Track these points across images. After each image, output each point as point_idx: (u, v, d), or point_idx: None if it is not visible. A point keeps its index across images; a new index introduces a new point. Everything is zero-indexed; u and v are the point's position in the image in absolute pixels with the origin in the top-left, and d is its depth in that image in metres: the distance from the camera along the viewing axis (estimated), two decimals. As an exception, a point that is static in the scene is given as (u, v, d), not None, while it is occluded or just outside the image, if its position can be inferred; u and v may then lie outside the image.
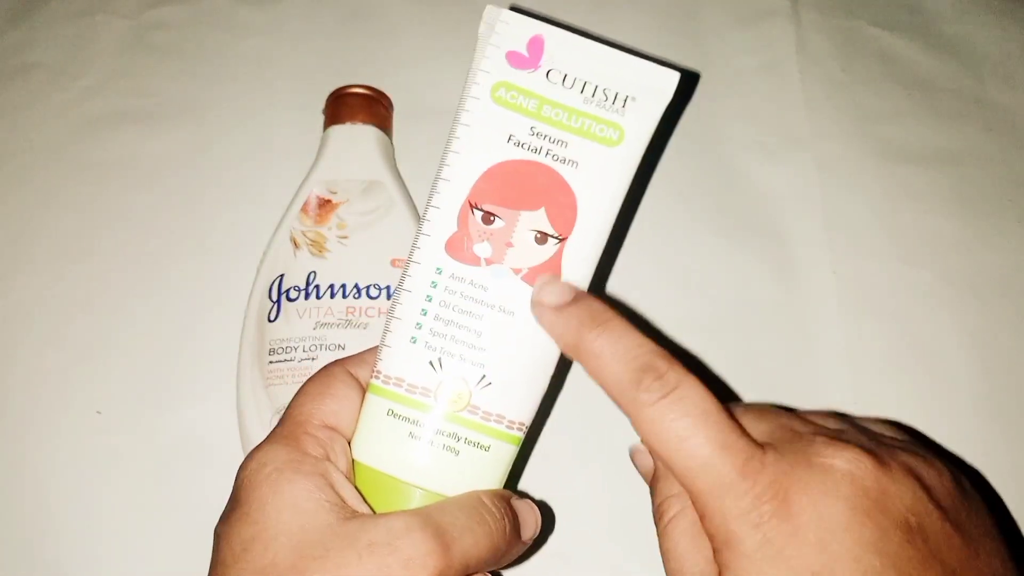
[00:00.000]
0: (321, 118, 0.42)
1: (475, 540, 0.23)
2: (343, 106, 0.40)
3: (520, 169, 0.26)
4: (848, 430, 0.24)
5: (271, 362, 0.35)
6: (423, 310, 0.26)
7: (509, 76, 0.27)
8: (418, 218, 0.39)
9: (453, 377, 0.26)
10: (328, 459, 0.25)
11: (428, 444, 0.26)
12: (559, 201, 0.26)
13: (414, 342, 0.26)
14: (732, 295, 0.41)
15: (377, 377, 0.26)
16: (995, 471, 0.38)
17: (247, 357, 0.35)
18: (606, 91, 0.27)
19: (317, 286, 0.36)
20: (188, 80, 0.46)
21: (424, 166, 0.43)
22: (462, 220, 0.26)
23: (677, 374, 0.23)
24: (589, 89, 0.27)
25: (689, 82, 0.47)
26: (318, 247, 0.37)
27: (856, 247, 0.43)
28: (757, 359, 0.40)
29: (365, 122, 0.40)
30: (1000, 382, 0.40)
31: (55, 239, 0.42)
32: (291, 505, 0.23)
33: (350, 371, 0.27)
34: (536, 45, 0.27)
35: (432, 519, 0.23)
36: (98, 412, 0.38)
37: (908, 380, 0.40)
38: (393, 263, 0.37)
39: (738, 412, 0.24)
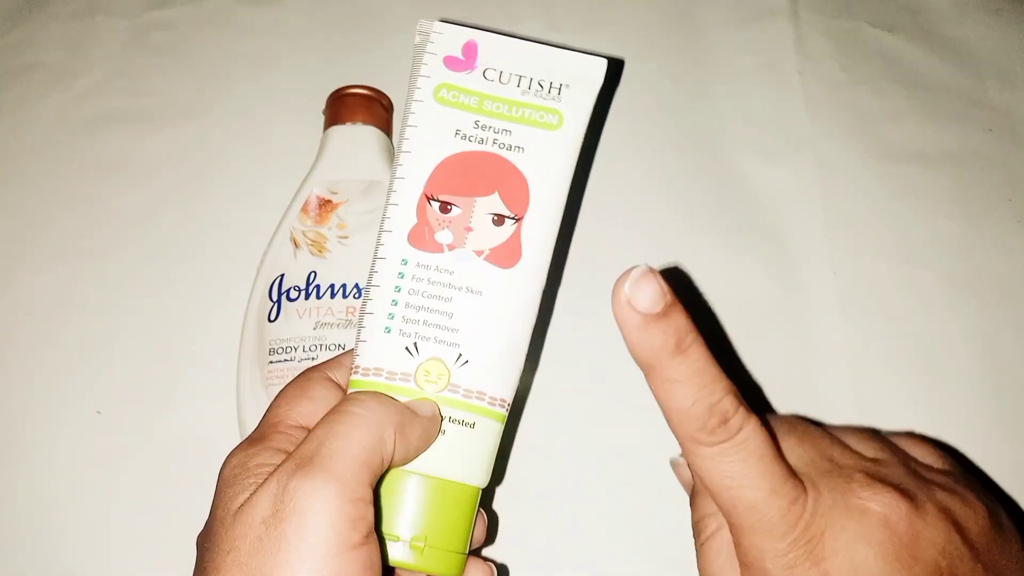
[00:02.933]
0: (321, 118, 0.42)
1: (343, 437, 0.22)
2: (343, 106, 0.40)
3: (470, 159, 0.28)
4: (887, 460, 0.25)
5: (271, 362, 0.35)
6: (393, 300, 0.27)
7: (449, 78, 0.28)
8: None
9: (430, 358, 0.27)
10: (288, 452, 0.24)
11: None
12: (511, 184, 0.28)
13: (388, 332, 0.27)
14: (732, 295, 0.41)
15: (356, 372, 0.27)
16: (996, 471, 0.38)
17: (247, 357, 0.35)
18: (541, 82, 0.29)
19: (317, 286, 0.36)
20: (188, 80, 0.46)
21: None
22: (421, 212, 0.27)
23: (741, 418, 0.23)
24: (524, 82, 0.29)
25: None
26: (318, 247, 0.37)
27: (856, 247, 0.43)
28: (757, 359, 0.40)
29: (365, 122, 0.40)
30: (1000, 382, 0.40)
31: (55, 239, 0.42)
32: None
33: (328, 375, 0.27)
34: (470, 49, 0.29)
35: (294, 458, 0.22)
36: (98, 412, 0.38)
37: (908, 380, 0.40)
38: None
39: (780, 434, 0.25)
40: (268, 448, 0.24)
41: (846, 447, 0.25)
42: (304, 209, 0.38)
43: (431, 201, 0.28)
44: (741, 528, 0.23)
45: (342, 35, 0.48)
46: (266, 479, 0.22)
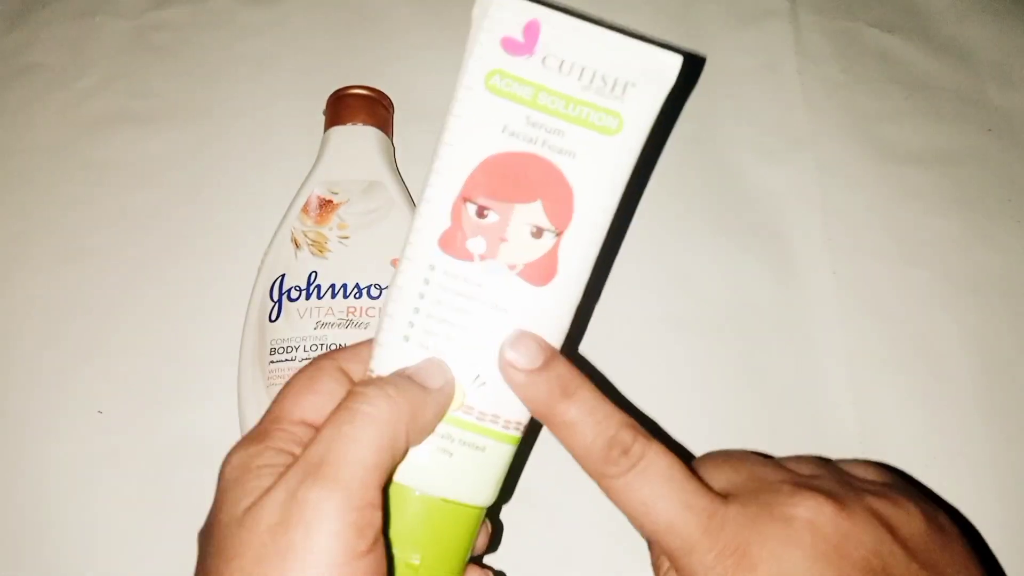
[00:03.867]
0: (322, 119, 0.42)
1: (353, 440, 0.22)
2: (344, 107, 0.41)
3: (515, 161, 0.26)
4: (822, 476, 0.25)
5: (272, 362, 0.35)
6: (416, 308, 0.26)
7: (503, 63, 0.25)
8: (419, 218, 0.39)
9: None
10: (292, 453, 0.24)
11: (423, 444, 0.25)
12: (555, 194, 0.26)
13: (407, 340, 0.25)
14: (732, 295, 0.41)
15: (371, 376, 0.26)
16: (995, 471, 0.38)
17: (248, 357, 0.35)
18: (604, 77, 0.26)
19: (318, 286, 0.36)
20: (188, 80, 0.46)
21: (424, 166, 0.43)
22: (455, 214, 0.25)
23: (642, 446, 0.24)
24: (587, 75, 0.26)
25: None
26: (319, 247, 0.37)
27: (856, 247, 0.43)
28: (757, 359, 0.40)
29: (366, 123, 0.40)
30: (1000, 382, 0.40)
31: (55, 239, 0.42)
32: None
33: (341, 366, 0.26)
34: (532, 30, 0.26)
35: (304, 462, 0.22)
36: (98, 412, 0.38)
37: (908, 380, 0.40)
38: (394, 263, 0.37)
39: (710, 464, 0.26)
40: (270, 448, 0.24)
41: (781, 467, 0.26)
42: (305, 209, 0.38)
43: (468, 203, 0.25)
44: (671, 554, 0.23)
45: (343, 35, 0.48)
46: (273, 484, 0.22)
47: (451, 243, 0.25)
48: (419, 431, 0.24)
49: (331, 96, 0.41)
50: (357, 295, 0.36)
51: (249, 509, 0.21)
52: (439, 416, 0.25)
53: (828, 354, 0.40)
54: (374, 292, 0.36)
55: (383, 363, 0.26)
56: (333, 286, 0.36)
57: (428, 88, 0.45)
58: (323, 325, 0.35)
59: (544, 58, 0.25)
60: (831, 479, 0.25)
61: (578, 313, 0.27)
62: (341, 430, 0.22)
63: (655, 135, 0.26)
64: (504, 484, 0.27)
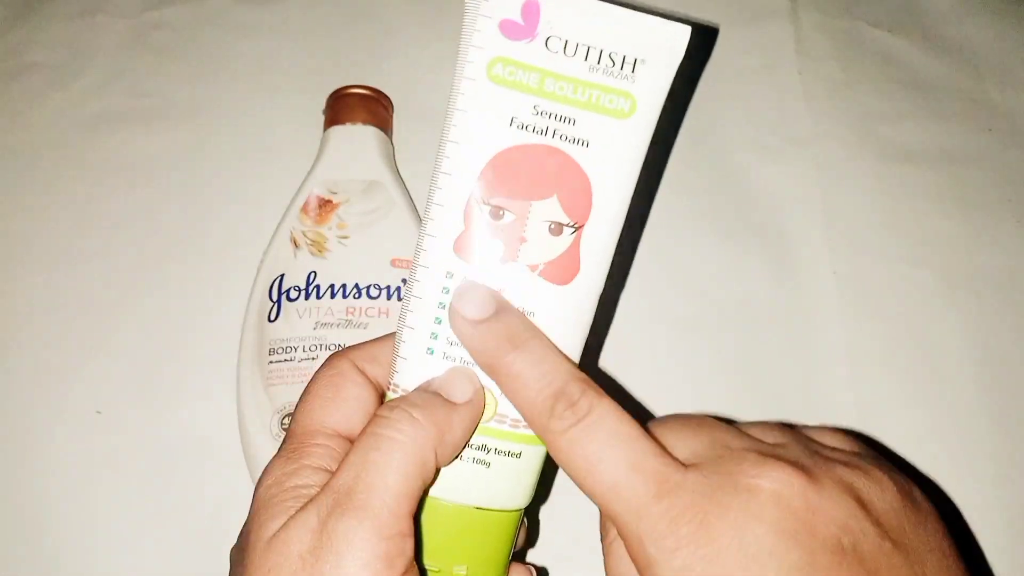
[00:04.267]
0: (321, 118, 0.42)
1: (381, 469, 0.21)
2: (343, 106, 0.40)
3: (527, 154, 0.24)
4: (788, 444, 0.23)
5: (271, 362, 0.35)
6: (436, 318, 0.24)
7: (505, 50, 0.24)
8: (419, 218, 0.39)
9: None
10: (329, 470, 0.23)
11: (457, 458, 0.24)
12: (572, 186, 0.24)
13: (431, 353, 0.24)
14: (732, 295, 0.41)
15: (395, 391, 0.25)
16: (996, 470, 0.38)
17: (247, 357, 0.35)
18: (612, 55, 0.24)
19: (317, 286, 0.36)
20: (188, 80, 0.46)
21: (424, 166, 0.43)
22: (469, 217, 0.24)
23: (589, 400, 0.22)
24: (594, 55, 0.24)
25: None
26: (318, 247, 0.37)
27: (856, 247, 0.43)
28: (757, 359, 0.40)
29: (365, 122, 0.40)
30: (1000, 382, 0.40)
31: (55, 239, 0.42)
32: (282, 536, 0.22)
33: (360, 366, 0.26)
34: (531, 9, 0.24)
35: (332, 491, 0.21)
36: (98, 412, 0.38)
37: (908, 380, 0.40)
38: (393, 263, 0.37)
39: (668, 428, 0.24)
40: (306, 467, 0.23)
41: (744, 435, 0.24)
42: (304, 209, 0.38)
43: (481, 205, 0.24)
44: (616, 517, 0.21)
45: (342, 34, 0.48)
46: (303, 508, 0.21)
47: (467, 248, 0.24)
48: (449, 450, 0.23)
49: (331, 95, 0.41)
50: (356, 295, 0.36)
51: (278, 533, 0.21)
52: (469, 432, 0.24)
53: (828, 354, 0.40)
54: (373, 292, 0.36)
55: (406, 377, 0.25)
56: (332, 286, 0.36)
57: (428, 87, 0.46)
58: (322, 325, 0.35)
59: (547, 40, 0.24)
60: (799, 448, 0.23)
61: (600, 311, 0.26)
62: (368, 457, 0.22)
63: (667, 112, 0.25)
64: (540, 482, 0.27)
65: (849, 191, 0.44)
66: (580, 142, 0.24)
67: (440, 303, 0.24)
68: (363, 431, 0.23)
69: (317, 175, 0.39)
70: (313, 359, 0.35)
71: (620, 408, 0.22)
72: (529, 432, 0.25)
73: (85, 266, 0.41)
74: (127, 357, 0.39)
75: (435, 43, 0.47)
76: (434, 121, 0.47)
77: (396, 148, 0.43)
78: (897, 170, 0.45)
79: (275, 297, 0.36)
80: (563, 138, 0.24)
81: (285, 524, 0.21)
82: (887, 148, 0.46)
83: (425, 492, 0.23)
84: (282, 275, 0.36)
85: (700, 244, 0.43)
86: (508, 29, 0.24)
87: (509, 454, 0.25)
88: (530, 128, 0.24)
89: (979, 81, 0.48)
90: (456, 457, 0.24)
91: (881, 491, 0.21)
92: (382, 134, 0.41)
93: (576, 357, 0.26)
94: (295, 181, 0.39)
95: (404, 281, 0.37)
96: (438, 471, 0.23)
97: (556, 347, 0.24)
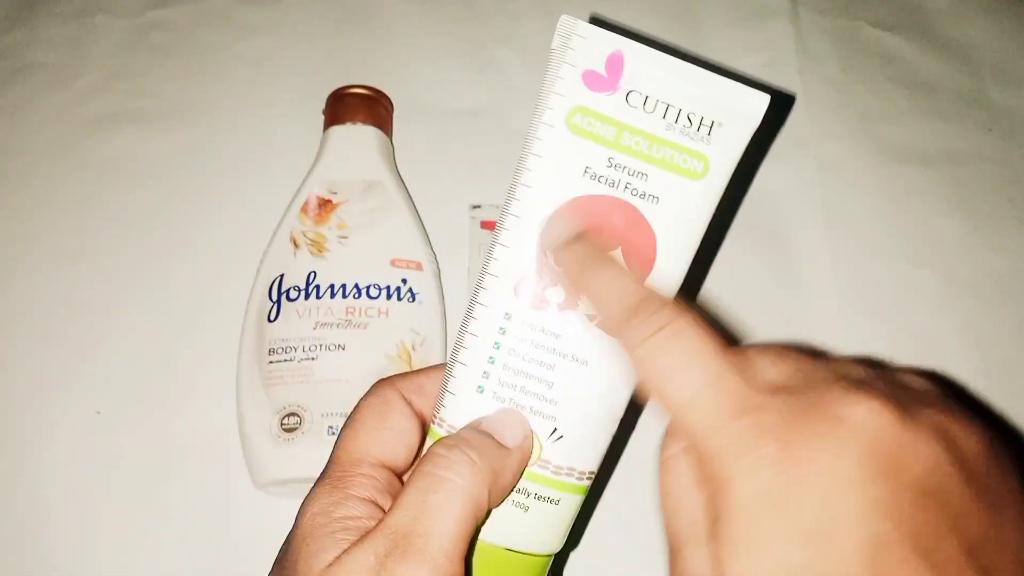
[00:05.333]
0: (321, 118, 0.42)
1: (438, 512, 0.21)
2: (343, 106, 0.40)
3: (596, 204, 0.24)
4: (877, 379, 0.22)
5: (271, 362, 0.35)
6: (491, 358, 0.24)
7: (586, 100, 0.24)
8: (418, 218, 0.39)
9: None
10: (375, 502, 0.24)
11: None
12: (637, 240, 0.24)
13: (481, 391, 0.24)
14: (732, 294, 0.41)
15: (441, 425, 0.25)
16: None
17: (247, 357, 0.35)
18: (691, 116, 0.24)
19: (317, 286, 0.36)
20: (188, 80, 0.46)
21: (424, 166, 0.43)
22: (533, 261, 0.24)
23: (672, 311, 0.21)
24: (672, 113, 0.24)
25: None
26: (318, 247, 0.37)
27: (856, 247, 0.43)
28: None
29: (365, 122, 0.40)
30: (1000, 382, 0.40)
31: (55, 239, 0.42)
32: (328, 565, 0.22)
33: (405, 395, 0.26)
34: (615, 63, 0.24)
35: (389, 530, 0.22)
36: (98, 412, 0.38)
37: (908, 380, 0.40)
38: (393, 263, 0.37)
39: (753, 352, 0.22)
40: (352, 497, 0.23)
41: (832, 365, 0.22)
42: (304, 209, 0.38)
43: (546, 251, 0.24)
44: (693, 432, 0.20)
45: (342, 34, 0.48)
46: (358, 544, 0.21)
47: (529, 292, 0.24)
48: (500, 494, 0.23)
49: (330, 95, 0.41)
50: (356, 295, 0.36)
51: (332, 566, 0.21)
52: (518, 477, 0.24)
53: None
54: (373, 292, 0.36)
55: (455, 413, 0.25)
56: (332, 286, 0.36)
57: (427, 87, 0.46)
58: (322, 325, 0.35)
59: (628, 94, 0.24)
60: (887, 384, 0.21)
61: None
62: (427, 500, 0.22)
63: (738, 176, 0.25)
64: (572, 530, 0.27)
65: (849, 191, 0.44)
66: (650, 198, 0.24)
67: (496, 343, 0.24)
68: (419, 469, 0.23)
69: (317, 175, 0.39)
70: (313, 359, 0.35)
71: (703, 323, 0.21)
72: (569, 480, 0.25)
73: (85, 266, 0.41)
74: (127, 357, 0.39)
75: (435, 43, 0.47)
76: (434, 121, 0.47)
77: (396, 148, 0.43)
78: (897, 170, 0.45)
79: (275, 297, 0.36)
80: (634, 192, 0.24)
81: (339, 558, 0.21)
82: (887, 148, 0.46)
83: (476, 533, 0.23)
84: (282, 275, 0.36)
85: (699, 244, 0.43)
86: (591, 80, 0.24)
87: (548, 500, 0.25)
88: (603, 180, 0.24)
89: (979, 81, 0.48)
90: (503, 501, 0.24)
91: (969, 437, 0.20)
92: (382, 134, 0.41)
93: (626, 402, 0.26)
94: (295, 181, 0.39)
95: (404, 281, 0.37)
96: (489, 514, 0.23)
97: (633, 273, 0.24)
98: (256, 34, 0.48)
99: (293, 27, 0.48)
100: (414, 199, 0.40)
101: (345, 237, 0.37)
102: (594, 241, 0.24)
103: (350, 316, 0.35)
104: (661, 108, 0.24)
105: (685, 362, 0.20)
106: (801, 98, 0.47)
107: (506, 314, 0.24)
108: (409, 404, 0.26)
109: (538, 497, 0.25)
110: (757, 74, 0.47)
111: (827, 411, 0.19)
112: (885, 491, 0.18)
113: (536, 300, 0.24)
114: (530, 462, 0.24)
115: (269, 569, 0.24)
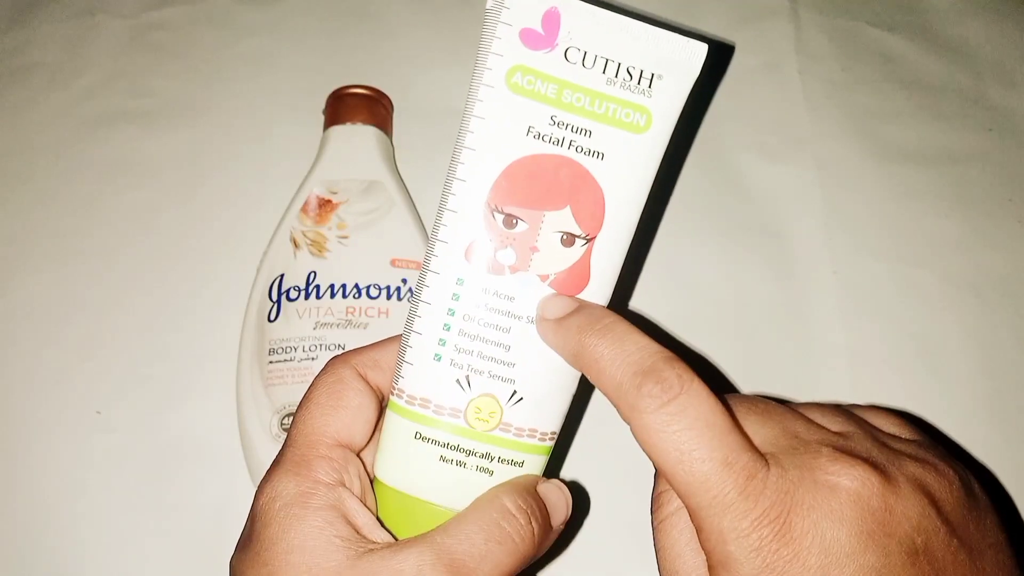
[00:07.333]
0: (321, 118, 0.42)
1: (496, 563, 0.23)
2: (343, 106, 0.41)
3: (542, 164, 0.24)
4: (854, 434, 0.23)
5: (271, 362, 0.35)
6: (446, 324, 0.24)
7: (524, 58, 0.24)
8: (419, 218, 0.39)
9: (483, 395, 0.25)
10: (342, 483, 0.24)
11: (461, 466, 0.25)
12: (585, 198, 0.24)
13: (438, 359, 0.25)
14: (732, 295, 0.41)
15: (400, 396, 0.25)
16: (996, 470, 0.38)
17: (247, 357, 0.35)
18: (630, 69, 0.24)
19: (317, 286, 0.36)
20: (188, 80, 0.46)
21: (424, 166, 0.43)
22: (482, 224, 0.24)
23: (681, 379, 0.21)
24: (612, 68, 0.24)
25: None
26: (318, 247, 0.37)
27: (856, 247, 0.43)
28: (757, 359, 0.40)
29: (365, 122, 0.40)
30: (1000, 382, 0.40)
31: (55, 239, 0.42)
32: (299, 546, 0.22)
33: (360, 371, 0.26)
34: (552, 20, 0.24)
35: (446, 552, 0.22)
36: (98, 412, 0.38)
37: (908, 380, 0.40)
38: (393, 263, 0.37)
39: (740, 414, 0.23)
40: (321, 483, 0.23)
41: (811, 422, 0.24)
42: (304, 209, 0.38)
43: (495, 213, 0.24)
44: (699, 509, 0.21)
45: (342, 34, 0.48)
46: (407, 545, 0.22)
47: (480, 255, 0.24)
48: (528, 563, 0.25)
49: (330, 95, 0.41)
50: (356, 295, 0.36)
51: (363, 556, 0.22)
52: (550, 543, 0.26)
53: (828, 354, 0.40)
54: (373, 292, 0.36)
55: (413, 383, 0.25)
56: (332, 286, 0.36)
57: (427, 87, 0.46)
58: (322, 325, 0.35)
59: (566, 50, 0.24)
60: (865, 438, 0.23)
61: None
62: (489, 549, 0.23)
63: (680, 127, 0.25)
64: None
65: (849, 191, 0.44)
66: (596, 154, 0.24)
67: (450, 309, 0.24)
68: (488, 515, 0.24)
69: (317, 175, 0.39)
70: (313, 359, 0.35)
71: (710, 391, 0.22)
72: (532, 441, 0.25)
73: (85, 266, 0.41)
74: (127, 357, 0.39)
75: (435, 43, 0.47)
76: (434, 121, 0.47)
77: (396, 148, 0.43)
78: (897, 170, 0.45)
79: (275, 297, 0.36)
80: (579, 150, 0.24)
81: (362, 555, 0.22)
82: (887, 148, 0.46)
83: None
84: (282, 275, 0.36)
85: (700, 243, 0.43)
86: (528, 38, 0.24)
87: (512, 463, 0.25)
88: (547, 138, 0.24)
89: (979, 81, 0.48)
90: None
91: (949, 487, 0.22)
92: (382, 134, 0.41)
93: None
94: (295, 181, 0.39)
95: (404, 281, 0.37)
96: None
97: (640, 330, 0.23)
98: (256, 34, 0.48)
99: (293, 27, 0.48)
100: (414, 199, 0.40)
101: (345, 237, 0.37)
102: (593, 307, 0.24)
103: (350, 316, 0.35)
104: (600, 63, 0.24)
105: (696, 440, 0.21)
106: (801, 98, 0.47)
107: (459, 280, 0.24)
108: (364, 379, 0.25)
109: (502, 460, 0.25)
110: (758, 73, 0.47)
111: (818, 480, 0.21)
112: (877, 555, 0.20)
113: (488, 264, 0.24)
114: (491, 427, 0.25)
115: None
